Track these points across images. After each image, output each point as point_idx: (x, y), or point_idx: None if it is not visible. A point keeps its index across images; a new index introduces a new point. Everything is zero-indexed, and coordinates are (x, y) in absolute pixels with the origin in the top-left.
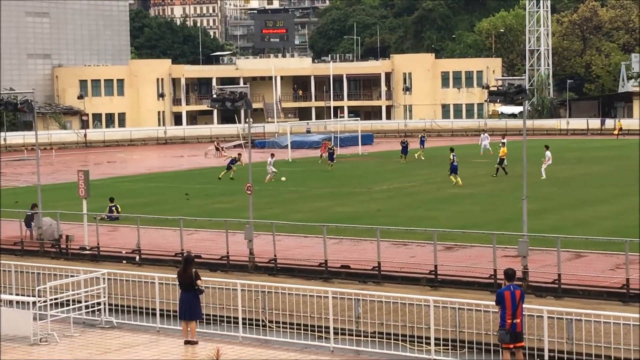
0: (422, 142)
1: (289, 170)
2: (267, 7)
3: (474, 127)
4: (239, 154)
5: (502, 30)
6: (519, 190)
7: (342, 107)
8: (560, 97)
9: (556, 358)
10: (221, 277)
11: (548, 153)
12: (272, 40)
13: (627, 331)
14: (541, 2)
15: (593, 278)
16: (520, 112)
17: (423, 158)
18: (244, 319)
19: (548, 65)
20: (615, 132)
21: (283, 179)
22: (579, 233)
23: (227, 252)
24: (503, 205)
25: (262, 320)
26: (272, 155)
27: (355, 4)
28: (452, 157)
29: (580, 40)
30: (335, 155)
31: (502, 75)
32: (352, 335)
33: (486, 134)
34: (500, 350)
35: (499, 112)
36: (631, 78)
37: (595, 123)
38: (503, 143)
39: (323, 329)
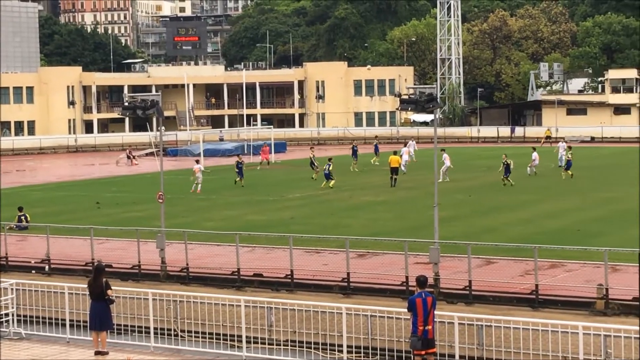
0: (376, 149)
1: (202, 178)
2: (179, 14)
3: (386, 135)
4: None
5: (413, 39)
6: (431, 197)
7: (255, 115)
8: (471, 105)
9: None
10: (132, 287)
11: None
12: (184, 47)
13: (536, 336)
14: (452, 11)
15: (503, 284)
16: (432, 120)
17: (377, 164)
18: (155, 328)
19: (459, 74)
20: (542, 139)
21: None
22: (489, 240)
23: (139, 261)
24: (415, 213)
25: (174, 330)
26: (197, 161)
27: (268, 12)
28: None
29: (490, 49)
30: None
31: (414, 84)
32: (264, 343)
33: (413, 141)
34: (412, 356)
35: (411, 120)
36: (540, 87)
37: (505, 131)
38: (395, 152)
39: (235, 338)
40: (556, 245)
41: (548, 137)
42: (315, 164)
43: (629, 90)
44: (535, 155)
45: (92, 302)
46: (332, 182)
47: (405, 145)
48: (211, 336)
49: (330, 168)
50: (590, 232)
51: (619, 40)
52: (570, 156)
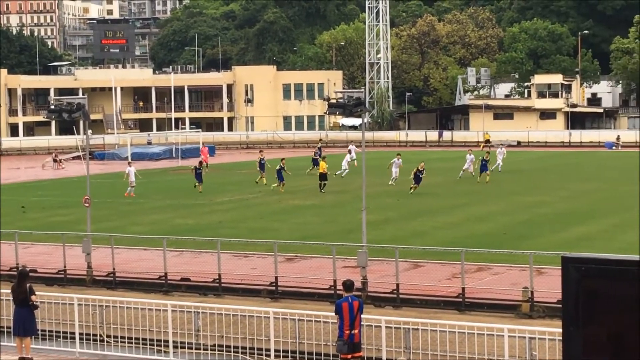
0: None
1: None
2: (107, 17)
3: (315, 139)
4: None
5: (342, 43)
6: (360, 201)
7: (183, 119)
8: (399, 110)
9: None
10: (57, 292)
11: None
12: (112, 50)
13: (463, 339)
14: (380, 16)
15: (430, 287)
16: (361, 124)
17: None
18: (81, 334)
19: (387, 78)
20: (482, 143)
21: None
22: (417, 243)
23: (64, 266)
24: (344, 217)
25: (100, 335)
26: (130, 164)
27: (197, 16)
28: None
29: (419, 54)
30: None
31: (343, 88)
32: (191, 348)
33: (353, 145)
34: None
35: (340, 124)
36: (467, 91)
37: (433, 135)
38: (323, 157)
39: (162, 343)
40: (483, 248)
41: (487, 141)
42: (267, 166)
43: (555, 95)
44: (471, 157)
45: (16, 307)
46: (282, 185)
47: (349, 152)
48: (137, 341)
49: (284, 168)
50: (516, 236)
51: (545, 46)
52: (488, 158)
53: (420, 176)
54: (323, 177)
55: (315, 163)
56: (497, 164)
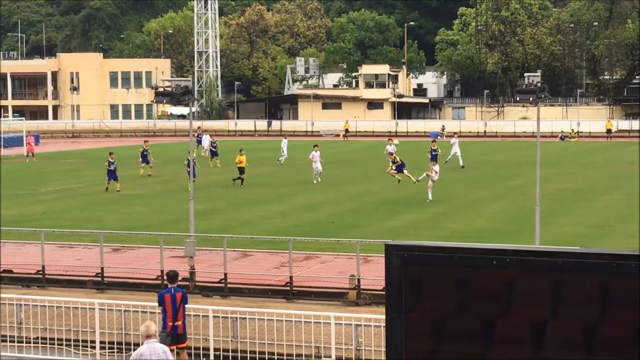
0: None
1: None
2: None
3: (143, 128)
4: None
5: (170, 31)
6: (187, 191)
7: (6, 107)
8: (228, 99)
9: (222, 357)
10: None
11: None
12: None
13: (290, 327)
14: (209, 4)
15: (258, 277)
16: (189, 114)
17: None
18: None
19: (216, 67)
20: (341, 132)
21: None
22: (245, 232)
23: None
24: (172, 206)
25: None
26: None
27: (20, 1)
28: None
29: (248, 43)
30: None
31: (171, 77)
32: (14, 341)
33: (286, 140)
34: None
35: (169, 113)
36: (296, 81)
37: (262, 124)
38: (241, 150)
39: None
40: (311, 237)
41: (346, 131)
42: (150, 158)
43: (382, 85)
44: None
45: None
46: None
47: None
48: None
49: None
50: (344, 225)
51: (372, 37)
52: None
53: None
54: (242, 171)
55: (215, 154)
56: (452, 152)
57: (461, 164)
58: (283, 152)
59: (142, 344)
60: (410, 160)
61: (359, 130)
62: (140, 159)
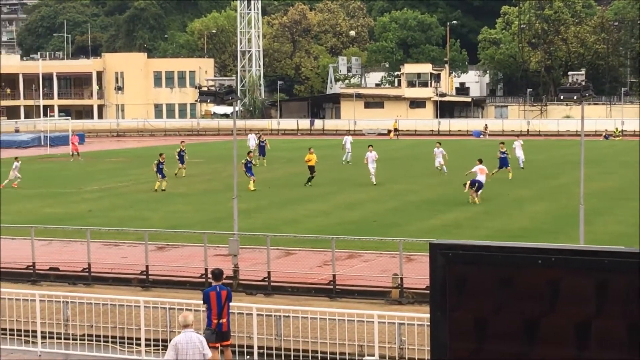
0: None
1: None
2: None
3: (186, 127)
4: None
5: (214, 31)
6: (231, 189)
7: (52, 106)
8: (271, 98)
9: (265, 354)
10: None
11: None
12: None
13: (334, 326)
14: (252, 4)
15: (301, 275)
16: (232, 113)
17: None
18: None
19: (259, 67)
20: (391, 134)
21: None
22: (288, 231)
23: None
24: (214, 205)
25: None
26: (17, 159)
27: (66, 1)
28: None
29: (290, 42)
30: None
31: (215, 76)
32: (60, 338)
33: (349, 137)
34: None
35: (212, 112)
36: (338, 80)
37: (304, 123)
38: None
39: (30, 333)
40: (353, 236)
41: (396, 130)
42: (186, 158)
43: (424, 84)
44: (439, 151)
45: None
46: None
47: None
48: (5, 332)
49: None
50: (386, 223)
51: (415, 36)
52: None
53: (507, 158)
54: (312, 169)
55: (263, 153)
56: (517, 156)
57: (521, 165)
58: (347, 149)
59: (179, 334)
60: (453, 159)
61: (400, 129)
62: (177, 159)
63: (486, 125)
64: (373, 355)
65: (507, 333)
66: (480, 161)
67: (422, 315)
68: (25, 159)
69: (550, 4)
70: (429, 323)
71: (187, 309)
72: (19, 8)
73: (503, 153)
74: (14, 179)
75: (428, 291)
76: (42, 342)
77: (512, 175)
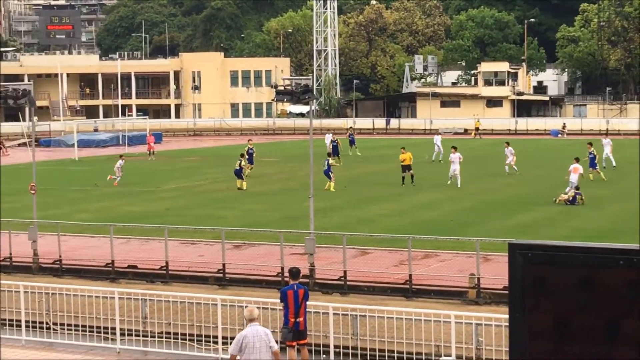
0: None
1: (75, 169)
2: (53, 2)
3: (262, 126)
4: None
5: (290, 30)
6: (306, 188)
7: (130, 106)
8: (347, 97)
9: (341, 353)
10: (4, 279)
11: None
12: (57, 36)
13: (410, 326)
14: (328, 3)
15: (377, 274)
16: (308, 112)
17: (359, 153)
18: (27, 321)
19: (335, 66)
20: (472, 133)
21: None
22: (364, 230)
23: (10, 253)
24: (290, 204)
25: (47, 323)
26: (122, 157)
27: (144, 2)
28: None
29: (366, 41)
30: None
31: (290, 75)
32: (139, 335)
33: (439, 136)
34: (286, 348)
35: (288, 112)
36: (415, 79)
37: (380, 122)
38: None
39: (109, 330)
40: (430, 235)
41: (477, 129)
42: (254, 157)
43: (501, 83)
44: (508, 150)
45: None
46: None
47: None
48: (84, 329)
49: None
50: (462, 223)
51: (492, 34)
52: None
53: (595, 158)
54: (408, 168)
55: (336, 153)
56: (604, 156)
57: (613, 164)
58: (439, 148)
59: (245, 327)
60: (527, 159)
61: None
62: (247, 158)
63: (564, 124)
64: (450, 355)
65: (587, 334)
66: (577, 160)
67: (499, 315)
68: (103, 158)
69: (631, 1)
70: (506, 324)
71: (270, 315)
72: (98, 9)
73: (591, 153)
74: (115, 177)
75: (505, 291)
76: (120, 339)
77: (605, 176)
